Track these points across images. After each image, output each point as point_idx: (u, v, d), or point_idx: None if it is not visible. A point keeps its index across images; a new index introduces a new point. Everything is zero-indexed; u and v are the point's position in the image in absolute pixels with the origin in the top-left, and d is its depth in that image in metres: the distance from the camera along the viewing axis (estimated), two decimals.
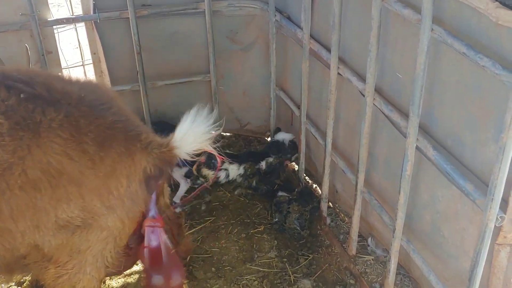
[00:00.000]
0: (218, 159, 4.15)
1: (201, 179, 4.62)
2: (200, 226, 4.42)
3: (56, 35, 4.80)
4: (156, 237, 2.75)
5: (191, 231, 4.36)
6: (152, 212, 2.72)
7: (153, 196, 2.72)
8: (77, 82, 2.85)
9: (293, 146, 4.81)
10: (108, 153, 2.52)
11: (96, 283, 2.76)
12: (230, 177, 4.64)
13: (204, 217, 4.53)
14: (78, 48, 5.46)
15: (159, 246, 2.78)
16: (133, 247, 2.88)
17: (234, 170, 4.64)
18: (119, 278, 3.92)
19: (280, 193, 4.47)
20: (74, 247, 2.59)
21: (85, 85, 2.82)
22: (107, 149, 2.53)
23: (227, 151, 4.84)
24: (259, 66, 5.18)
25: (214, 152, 2.90)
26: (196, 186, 4.63)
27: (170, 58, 5.04)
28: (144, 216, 2.74)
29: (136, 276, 3.94)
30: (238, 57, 5.17)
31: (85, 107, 2.58)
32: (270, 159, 4.72)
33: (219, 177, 4.60)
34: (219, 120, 2.92)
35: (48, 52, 4.66)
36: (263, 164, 4.71)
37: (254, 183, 4.73)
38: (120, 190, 2.55)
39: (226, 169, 4.62)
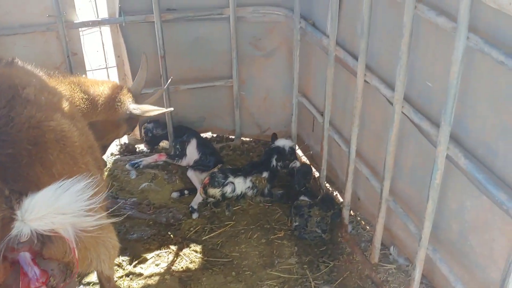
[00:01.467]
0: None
1: (210, 198, 4.63)
2: (220, 231, 4.42)
3: (81, 37, 4.84)
4: None
5: (211, 235, 4.36)
6: (30, 274, 2.25)
7: (24, 259, 2.24)
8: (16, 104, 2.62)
9: (293, 153, 4.94)
10: None
11: None
12: (238, 191, 4.64)
13: (224, 222, 4.53)
14: (101, 51, 5.49)
15: None
16: None
17: (241, 184, 4.64)
18: (139, 280, 3.93)
19: (302, 197, 4.46)
20: None
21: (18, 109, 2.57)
22: None
23: (228, 166, 4.86)
24: (281, 72, 5.20)
25: (70, 241, 2.19)
26: (208, 200, 4.66)
27: (193, 63, 5.08)
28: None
29: (156, 278, 3.95)
30: (261, 63, 5.20)
31: None
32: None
33: (224, 190, 4.60)
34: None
35: (73, 54, 4.70)
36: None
37: (266, 190, 4.73)
38: None
39: (232, 183, 4.61)
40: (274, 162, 4.82)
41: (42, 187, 2.13)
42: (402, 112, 3.26)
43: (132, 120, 4.22)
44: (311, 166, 5.03)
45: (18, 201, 2.12)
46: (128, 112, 4.07)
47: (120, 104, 4.03)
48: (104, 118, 4.01)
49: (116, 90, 4.06)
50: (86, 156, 2.80)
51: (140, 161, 5.09)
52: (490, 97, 2.72)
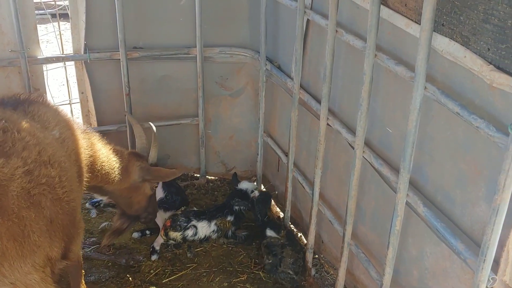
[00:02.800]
0: None
1: (171, 241, 4.49)
2: (181, 273, 4.30)
3: (44, 72, 4.76)
4: None
5: (171, 278, 4.24)
6: None
7: None
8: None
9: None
10: None
11: None
12: (201, 235, 4.49)
13: (186, 264, 4.42)
14: (65, 85, 5.42)
15: None
16: None
17: (205, 228, 4.51)
18: None
19: (269, 232, 4.40)
20: None
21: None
22: None
23: (194, 207, 4.78)
24: (247, 112, 5.21)
25: None
26: (169, 243, 4.53)
27: (159, 101, 5.04)
28: None
29: None
30: (227, 102, 5.20)
31: None
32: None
33: (185, 234, 4.45)
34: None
35: (35, 90, 4.61)
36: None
37: (230, 233, 4.64)
38: None
39: (194, 226, 4.46)
40: (237, 206, 4.74)
41: None
42: (363, 156, 3.27)
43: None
44: (269, 192, 5.00)
45: None
46: (140, 179, 4.10)
47: (131, 173, 4.05)
48: (119, 187, 4.02)
49: (129, 160, 4.05)
50: (28, 210, 2.65)
51: (101, 199, 4.96)
52: (447, 146, 2.75)
